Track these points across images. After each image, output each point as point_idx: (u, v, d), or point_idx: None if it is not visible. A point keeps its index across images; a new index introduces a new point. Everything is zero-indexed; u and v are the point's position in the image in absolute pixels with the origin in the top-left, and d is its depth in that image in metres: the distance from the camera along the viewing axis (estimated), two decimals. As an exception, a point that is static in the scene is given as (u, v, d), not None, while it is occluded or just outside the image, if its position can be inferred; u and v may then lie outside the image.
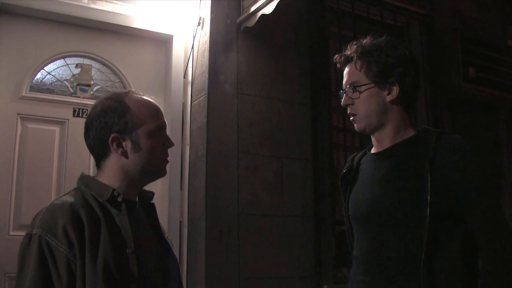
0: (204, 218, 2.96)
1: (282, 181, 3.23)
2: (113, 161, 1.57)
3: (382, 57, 1.78)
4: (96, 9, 3.22)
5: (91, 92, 3.22)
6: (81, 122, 3.06)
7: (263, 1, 3.02)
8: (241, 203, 3.07)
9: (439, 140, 1.71)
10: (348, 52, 1.85)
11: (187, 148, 3.26)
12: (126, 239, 1.47)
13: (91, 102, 3.11)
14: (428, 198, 1.63)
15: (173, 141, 1.67)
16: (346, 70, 1.86)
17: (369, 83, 1.78)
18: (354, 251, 1.90)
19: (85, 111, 3.15)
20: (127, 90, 1.68)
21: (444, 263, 1.64)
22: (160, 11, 3.39)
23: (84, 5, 3.19)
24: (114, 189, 1.53)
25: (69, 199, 1.49)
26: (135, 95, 1.65)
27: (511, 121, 4.41)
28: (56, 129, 3.11)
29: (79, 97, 3.19)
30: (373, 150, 1.91)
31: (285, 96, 3.35)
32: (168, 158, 1.67)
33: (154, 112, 1.63)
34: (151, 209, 1.71)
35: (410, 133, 1.82)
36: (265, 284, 3.06)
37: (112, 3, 3.27)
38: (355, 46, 1.84)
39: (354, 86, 1.80)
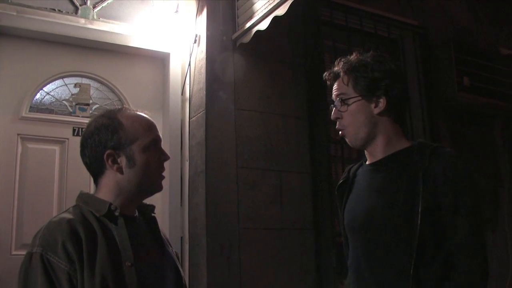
0: (205, 233, 2.98)
1: (281, 195, 3.26)
2: (109, 177, 1.61)
3: (368, 72, 1.83)
4: (93, 29, 3.27)
5: (90, 111, 3.26)
6: (80, 141, 3.12)
7: (258, 18, 3.07)
8: (241, 217, 3.09)
9: (433, 153, 1.74)
10: (335, 69, 1.91)
11: (187, 164, 3.29)
12: (125, 252, 1.50)
13: (90, 121, 3.15)
14: (419, 210, 1.66)
15: (170, 156, 1.70)
16: (335, 86, 1.91)
17: (356, 96, 1.83)
18: (349, 260, 1.94)
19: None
20: (120, 107, 1.71)
21: (432, 274, 1.66)
22: (157, 29, 3.44)
23: (81, 25, 3.24)
24: (111, 204, 1.56)
25: (67, 215, 1.52)
26: (128, 111, 1.68)
27: (507, 129, 4.44)
28: (56, 148, 3.14)
29: (79, 116, 3.22)
30: (368, 162, 1.94)
31: (282, 110, 3.39)
32: (164, 173, 1.70)
33: (147, 127, 1.66)
34: (153, 222, 1.74)
35: (405, 144, 1.86)
36: (267, 297, 3.08)
37: (109, 23, 3.32)
38: (342, 63, 1.90)
39: (342, 99, 1.85)
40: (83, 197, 1.62)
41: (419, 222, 1.65)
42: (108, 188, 1.61)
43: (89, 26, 3.25)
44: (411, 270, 1.65)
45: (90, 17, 3.27)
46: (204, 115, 3.14)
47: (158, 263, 1.64)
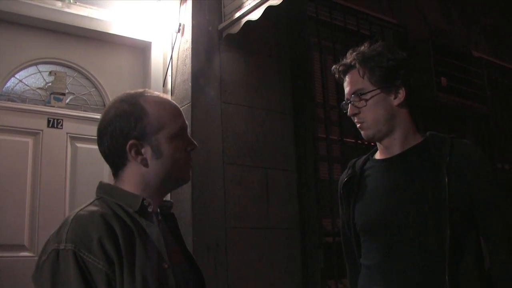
0: (191, 232, 2.83)
1: (268, 193, 3.14)
2: (133, 170, 1.41)
3: (384, 61, 1.74)
4: (71, 13, 3.05)
5: (66, 101, 3.04)
6: (56, 132, 2.92)
7: (249, 7, 2.94)
8: (228, 216, 2.95)
9: (453, 146, 1.69)
10: (348, 60, 1.80)
11: (170, 159, 3.12)
12: (162, 252, 1.34)
13: (66, 111, 2.96)
14: (447, 203, 1.60)
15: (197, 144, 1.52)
16: (348, 79, 1.80)
17: (374, 89, 1.73)
18: (365, 260, 1.82)
19: (60, 121, 2.96)
20: (141, 90, 1.49)
21: (466, 269, 1.62)
22: (138, 16, 3.26)
23: (57, 8, 3.01)
24: (144, 199, 1.37)
25: (96, 208, 1.32)
26: (151, 95, 1.47)
27: (478, 130, 4.49)
28: (29, 140, 2.91)
29: (54, 107, 3.00)
30: (379, 156, 1.85)
31: (268, 105, 3.27)
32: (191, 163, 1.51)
33: (174, 113, 1.46)
34: (172, 219, 1.55)
35: (418, 138, 1.78)
36: (254, 299, 2.96)
37: (87, 7, 3.11)
38: (355, 54, 1.79)
39: (360, 94, 1.74)
40: (106, 189, 1.42)
41: (448, 218, 1.59)
42: (132, 182, 1.41)
43: (66, 10, 3.03)
44: (447, 267, 1.58)
45: (67, 0, 3.05)
46: (190, 108, 2.98)
47: (184, 263, 1.48)
